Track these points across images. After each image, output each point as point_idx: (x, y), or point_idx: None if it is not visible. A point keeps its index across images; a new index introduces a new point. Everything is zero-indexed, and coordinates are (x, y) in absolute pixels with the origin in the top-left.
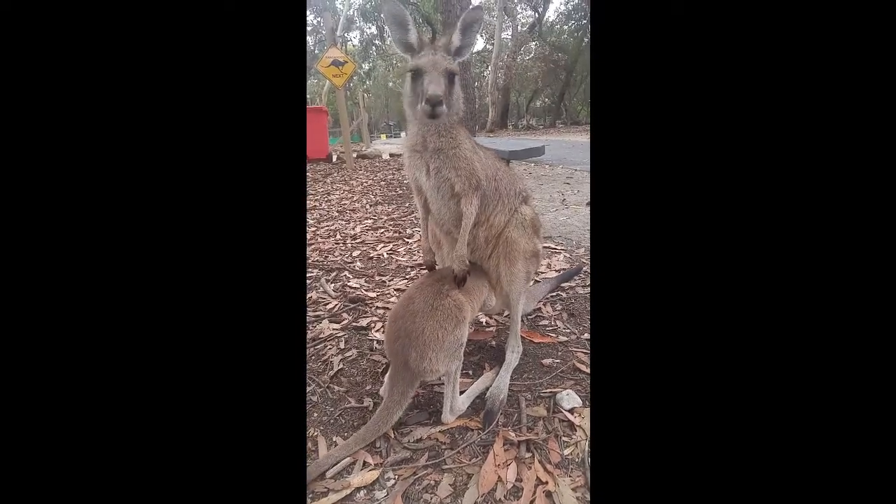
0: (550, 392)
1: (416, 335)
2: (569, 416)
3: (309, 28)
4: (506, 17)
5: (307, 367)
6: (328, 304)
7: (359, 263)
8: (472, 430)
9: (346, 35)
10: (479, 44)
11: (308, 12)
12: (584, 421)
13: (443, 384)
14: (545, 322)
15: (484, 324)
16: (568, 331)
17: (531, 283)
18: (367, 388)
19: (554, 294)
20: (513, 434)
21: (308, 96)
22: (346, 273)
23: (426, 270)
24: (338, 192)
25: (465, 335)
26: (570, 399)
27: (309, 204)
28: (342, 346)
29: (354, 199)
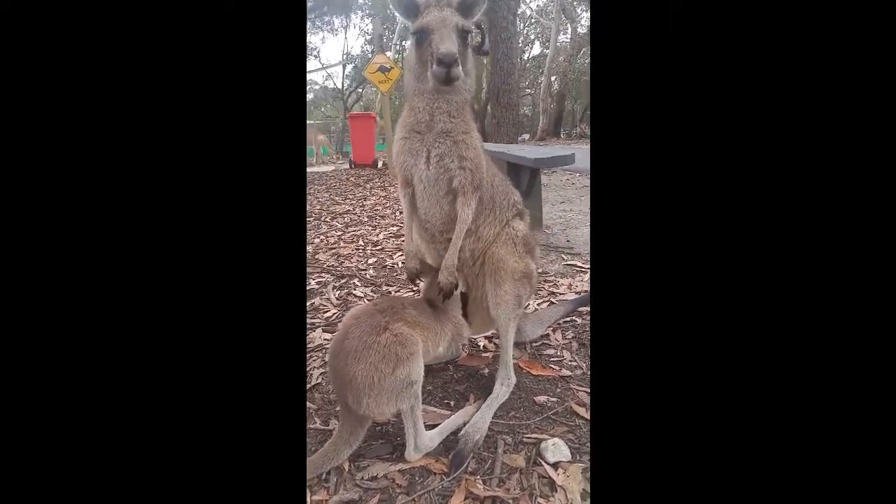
0: (535, 438)
1: (349, 379)
2: (550, 471)
3: (357, 32)
4: (564, 19)
5: None
6: (327, 311)
7: (371, 271)
8: (436, 474)
9: (401, 42)
10: (535, 48)
11: (355, 16)
12: (568, 481)
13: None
14: (551, 351)
15: (481, 348)
16: (574, 364)
17: (522, 308)
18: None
19: (568, 320)
20: (480, 485)
21: (362, 103)
22: (356, 280)
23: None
24: (373, 198)
25: (414, 372)
26: (557, 451)
27: (343, 208)
28: (328, 358)
29: (387, 205)
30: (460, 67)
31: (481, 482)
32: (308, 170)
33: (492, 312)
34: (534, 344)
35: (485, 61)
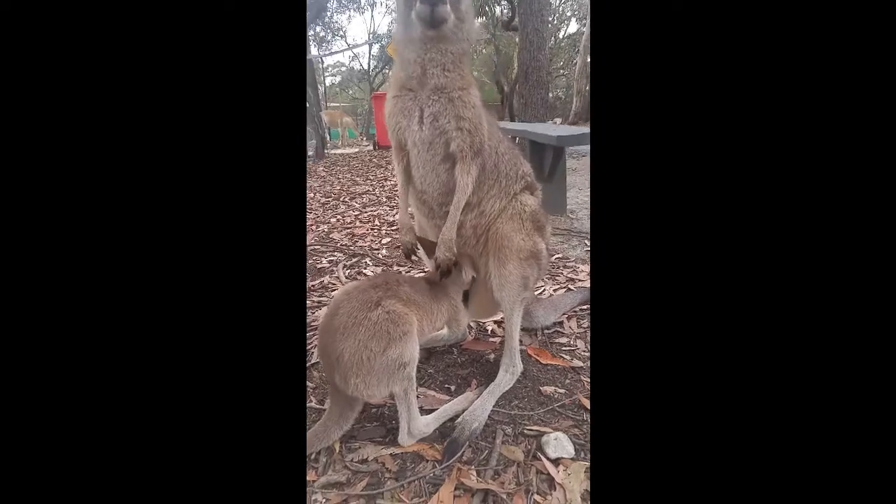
0: (537, 431)
1: (336, 358)
2: (550, 468)
3: (384, 9)
4: None
5: None
6: (335, 290)
7: (384, 251)
8: (428, 461)
9: None
10: (572, 26)
11: None
12: (568, 479)
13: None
14: (564, 340)
15: (489, 332)
16: (587, 355)
17: (530, 291)
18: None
19: (585, 308)
20: (473, 476)
21: (389, 83)
22: (367, 259)
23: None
24: (394, 178)
25: (408, 353)
26: (559, 446)
27: (362, 188)
28: (318, 335)
29: None
30: (448, 6)
31: (475, 473)
32: (333, 151)
33: (496, 294)
34: (546, 331)
35: (517, 39)
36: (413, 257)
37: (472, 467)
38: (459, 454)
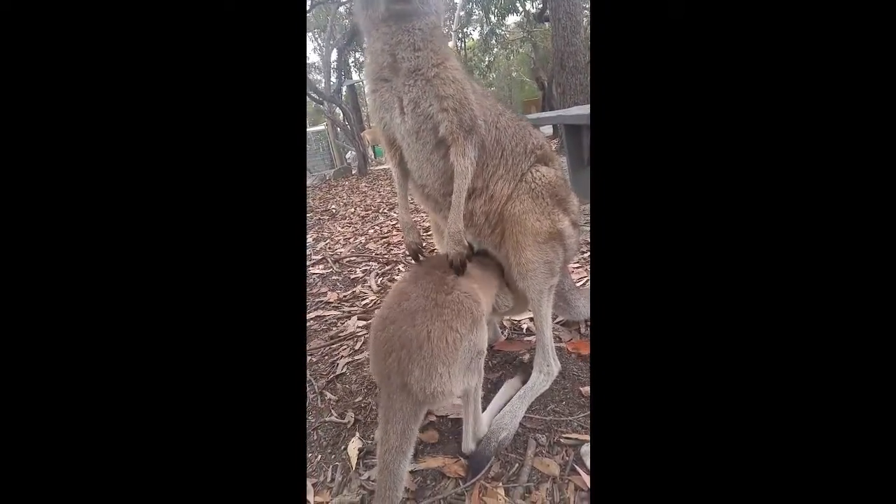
0: (576, 439)
1: (419, 343)
2: (590, 483)
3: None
4: None
5: (315, 367)
6: (365, 299)
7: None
8: (451, 478)
9: (463, 31)
10: None
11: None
12: None
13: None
14: None
15: (524, 330)
16: None
17: (557, 277)
18: (359, 398)
19: None
20: (501, 495)
21: None
22: (401, 266)
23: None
24: None
25: (483, 341)
26: None
27: None
28: (358, 346)
29: None
30: None
31: (503, 491)
32: (376, 168)
33: (518, 285)
34: (588, 322)
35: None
36: (421, 257)
37: (500, 484)
38: (486, 469)
